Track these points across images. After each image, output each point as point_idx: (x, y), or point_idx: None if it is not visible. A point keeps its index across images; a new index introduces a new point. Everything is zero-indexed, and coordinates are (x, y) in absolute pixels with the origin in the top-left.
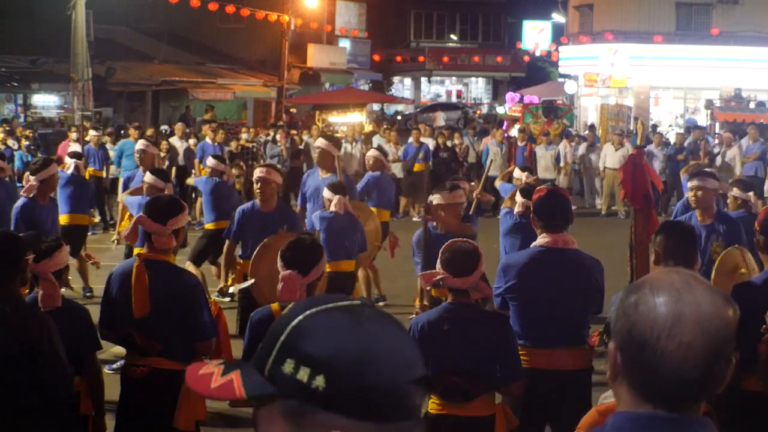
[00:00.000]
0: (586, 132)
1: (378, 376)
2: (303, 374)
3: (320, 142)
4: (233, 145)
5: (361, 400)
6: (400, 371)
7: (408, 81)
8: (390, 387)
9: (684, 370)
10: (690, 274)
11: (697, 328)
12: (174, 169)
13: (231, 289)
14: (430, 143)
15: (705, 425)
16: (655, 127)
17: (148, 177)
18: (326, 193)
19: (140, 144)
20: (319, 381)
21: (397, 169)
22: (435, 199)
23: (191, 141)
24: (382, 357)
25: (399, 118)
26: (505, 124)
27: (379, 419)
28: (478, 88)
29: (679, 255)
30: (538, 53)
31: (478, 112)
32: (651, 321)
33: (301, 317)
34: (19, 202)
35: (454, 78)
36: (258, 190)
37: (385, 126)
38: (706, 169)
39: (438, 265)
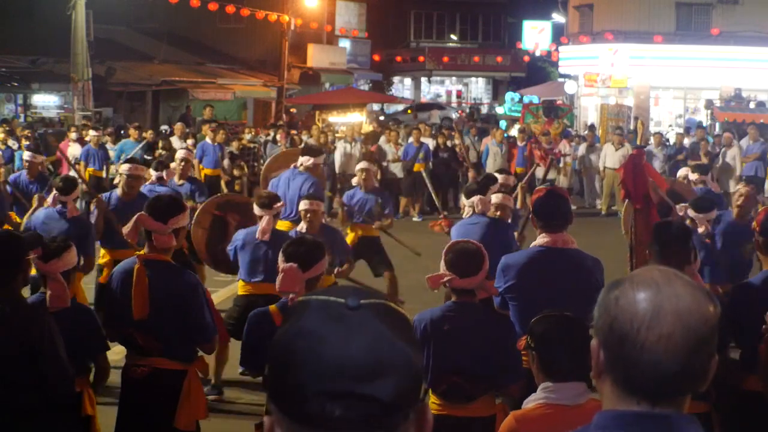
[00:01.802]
0: (586, 132)
1: (292, 375)
2: None
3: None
4: (234, 145)
5: (282, 395)
6: (311, 378)
7: (408, 81)
8: (300, 390)
9: (665, 363)
10: (671, 271)
11: (677, 321)
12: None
13: None
14: (430, 143)
15: (689, 421)
16: (690, 131)
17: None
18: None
19: (27, 155)
20: (267, 364)
21: (397, 169)
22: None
23: (189, 141)
24: (303, 358)
25: (382, 118)
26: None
27: (293, 417)
28: (478, 88)
29: (669, 255)
30: (538, 53)
31: (461, 113)
32: (631, 314)
33: (299, 299)
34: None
35: (454, 78)
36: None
37: (392, 125)
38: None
39: (442, 266)
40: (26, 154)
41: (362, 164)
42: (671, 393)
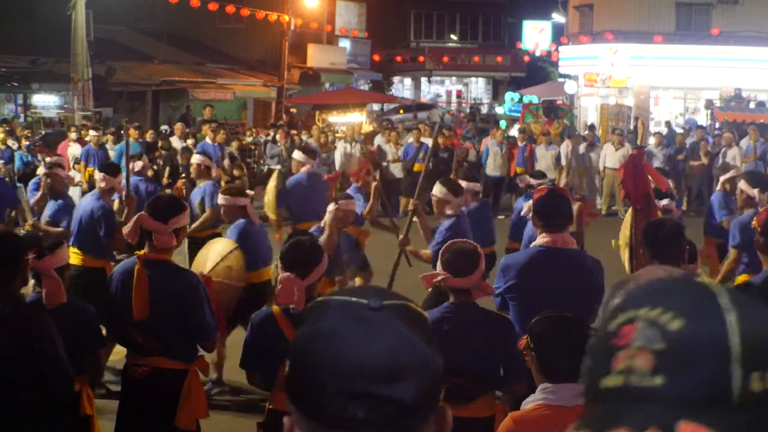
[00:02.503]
0: (586, 132)
1: (311, 375)
2: None
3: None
4: (234, 145)
5: (300, 394)
6: (330, 378)
7: (408, 81)
8: (319, 389)
9: None
10: (675, 271)
11: None
12: (167, 170)
13: None
14: (430, 143)
15: None
16: (681, 125)
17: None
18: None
19: None
20: (287, 363)
21: (397, 170)
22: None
23: (189, 141)
24: (322, 358)
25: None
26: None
27: (312, 417)
28: (478, 88)
29: (664, 254)
30: (538, 53)
31: (450, 112)
32: None
33: (319, 298)
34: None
35: (454, 78)
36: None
37: (384, 124)
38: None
39: (438, 266)
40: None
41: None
42: None
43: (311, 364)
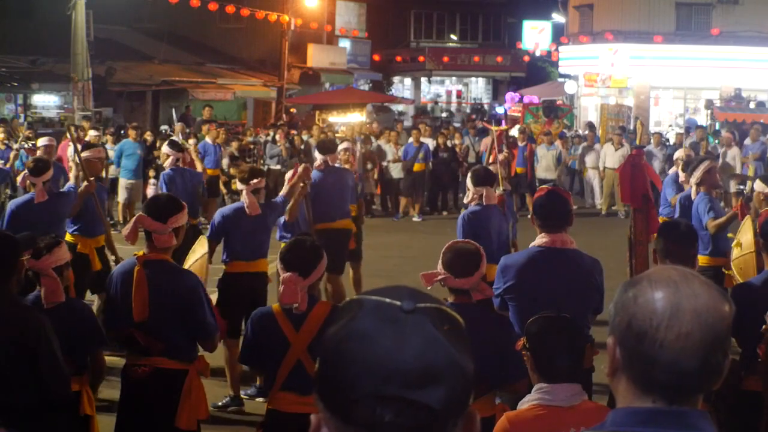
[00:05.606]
0: (587, 132)
1: (342, 376)
2: None
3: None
4: (234, 145)
5: (330, 393)
6: (361, 380)
7: (408, 81)
8: (350, 391)
9: (683, 360)
10: (688, 270)
11: (695, 319)
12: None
13: None
14: (430, 143)
15: (703, 418)
16: (690, 131)
17: None
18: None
19: (86, 154)
20: (317, 362)
21: (396, 170)
22: None
23: (191, 141)
24: (354, 359)
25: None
26: (504, 123)
27: (341, 418)
28: (478, 88)
29: (676, 254)
30: (538, 53)
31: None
32: (650, 312)
33: (353, 298)
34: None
35: (454, 78)
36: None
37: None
38: None
39: (439, 266)
40: (86, 153)
41: (345, 144)
42: (688, 391)
43: (342, 365)
